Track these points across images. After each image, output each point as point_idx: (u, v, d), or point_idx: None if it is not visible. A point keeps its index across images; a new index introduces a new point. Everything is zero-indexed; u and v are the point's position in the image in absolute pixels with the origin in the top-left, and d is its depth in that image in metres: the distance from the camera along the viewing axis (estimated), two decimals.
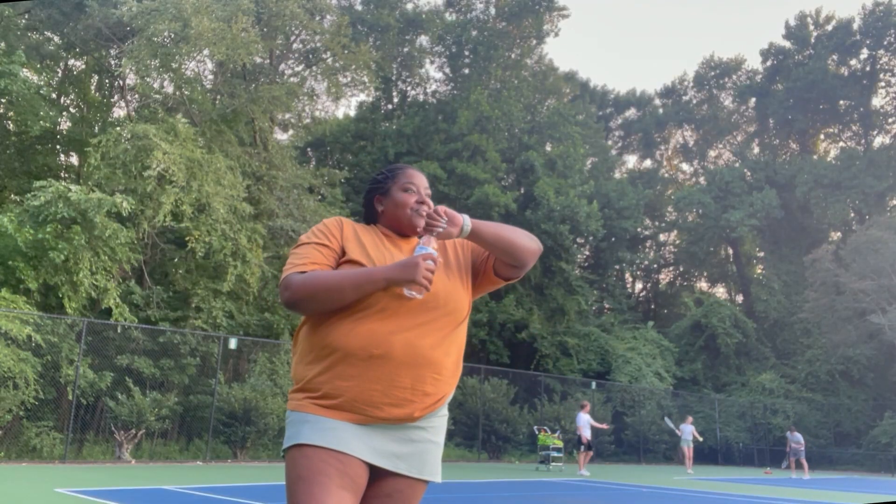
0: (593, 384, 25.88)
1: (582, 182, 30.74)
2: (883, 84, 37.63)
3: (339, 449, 1.88)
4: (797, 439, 22.04)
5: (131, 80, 19.61)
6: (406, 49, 30.86)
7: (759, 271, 40.30)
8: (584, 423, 17.64)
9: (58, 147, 19.40)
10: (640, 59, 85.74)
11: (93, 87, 20.35)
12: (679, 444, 20.95)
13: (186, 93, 18.79)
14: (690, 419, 20.99)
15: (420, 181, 2.18)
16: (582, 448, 17.45)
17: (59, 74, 20.10)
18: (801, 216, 36.89)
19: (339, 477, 1.86)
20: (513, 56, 32.02)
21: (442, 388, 1.99)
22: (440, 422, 2.06)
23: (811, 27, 38.98)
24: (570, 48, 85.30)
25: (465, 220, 2.04)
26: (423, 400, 1.95)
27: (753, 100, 41.52)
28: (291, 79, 22.55)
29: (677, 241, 42.17)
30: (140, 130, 15.65)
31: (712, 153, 44.93)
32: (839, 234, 36.97)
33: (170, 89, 19.42)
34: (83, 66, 20.11)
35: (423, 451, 2.00)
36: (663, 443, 26.46)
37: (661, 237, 43.07)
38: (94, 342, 15.13)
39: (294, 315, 18.90)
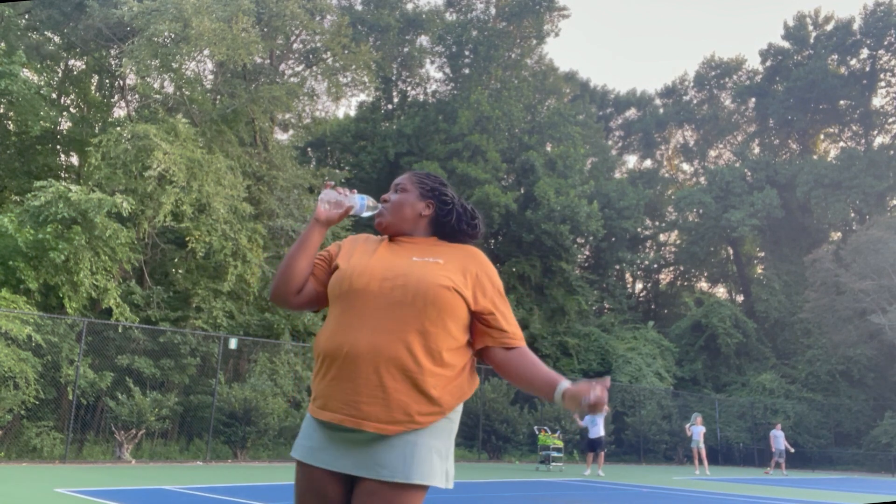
0: None
1: (582, 182, 30.74)
2: (883, 84, 37.64)
3: (309, 462, 1.99)
4: (781, 436, 22.23)
5: (131, 80, 19.61)
6: (406, 49, 30.86)
7: (759, 271, 40.30)
8: (593, 422, 17.59)
9: (58, 147, 19.39)
10: (640, 59, 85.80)
11: (93, 87, 20.33)
12: (690, 445, 20.70)
13: (187, 93, 18.79)
14: (700, 419, 20.69)
15: (394, 181, 2.29)
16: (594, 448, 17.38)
17: (60, 74, 20.08)
18: (801, 216, 36.89)
19: (315, 499, 1.98)
20: (513, 56, 32.01)
21: (419, 387, 1.92)
22: (430, 420, 1.95)
23: (810, 27, 39.00)
24: (570, 48, 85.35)
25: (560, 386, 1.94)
26: (396, 398, 1.90)
27: (754, 100, 41.52)
28: (291, 79, 22.54)
29: (677, 241, 42.16)
30: (140, 130, 15.65)
31: (712, 153, 44.94)
32: (839, 234, 36.98)
33: (170, 89, 19.42)
34: (83, 66, 20.10)
35: (406, 453, 1.90)
36: (663, 443, 26.46)
37: (662, 237, 43.07)
38: (94, 342, 15.14)
39: (294, 315, 18.92)
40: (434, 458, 1.93)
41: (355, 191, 2.21)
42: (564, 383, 1.93)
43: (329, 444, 1.97)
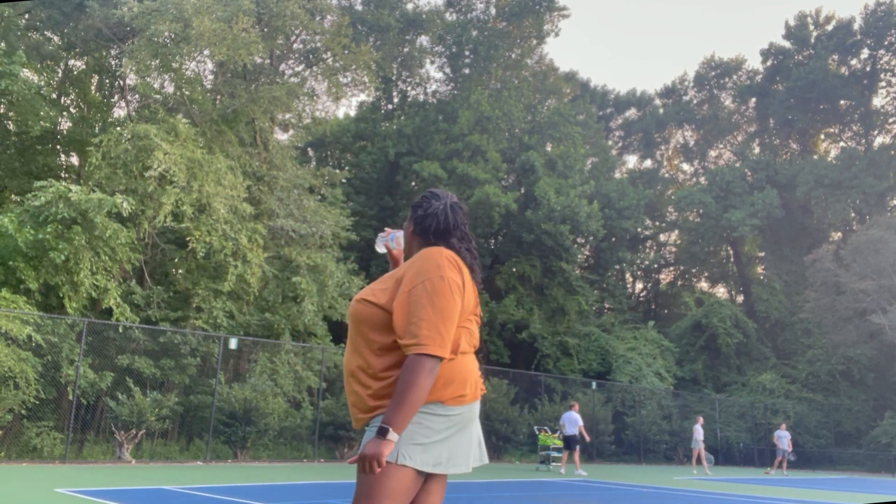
0: (594, 384, 25.88)
1: (582, 182, 30.72)
2: (884, 84, 37.61)
3: None
4: (787, 437, 22.32)
5: (132, 80, 19.61)
6: (406, 49, 30.83)
7: (759, 271, 40.28)
8: (570, 421, 17.51)
9: (58, 147, 19.38)
10: (640, 59, 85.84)
11: (93, 88, 20.33)
12: (691, 446, 20.79)
13: (187, 93, 18.78)
14: (701, 420, 20.86)
15: None
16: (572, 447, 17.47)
17: (60, 74, 20.08)
18: (801, 216, 36.87)
19: None
20: (513, 56, 31.99)
21: (357, 389, 2.34)
22: (370, 415, 2.35)
23: (811, 27, 38.99)
24: (570, 48, 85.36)
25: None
26: (357, 403, 2.35)
27: (754, 100, 41.50)
28: (292, 79, 22.52)
29: (678, 241, 42.14)
30: (141, 130, 15.65)
31: (713, 153, 44.92)
32: (840, 234, 36.95)
33: (170, 89, 19.41)
34: (83, 66, 20.09)
35: (362, 439, 2.42)
36: (663, 443, 26.46)
37: (662, 237, 43.05)
38: (94, 342, 15.13)
39: (294, 315, 18.92)
40: (371, 440, 2.22)
41: (387, 230, 2.70)
42: (376, 434, 2.20)
43: None
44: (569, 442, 17.46)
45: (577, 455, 17.46)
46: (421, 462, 2.24)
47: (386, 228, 2.73)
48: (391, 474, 2.19)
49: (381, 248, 2.73)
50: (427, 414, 2.26)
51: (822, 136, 41.43)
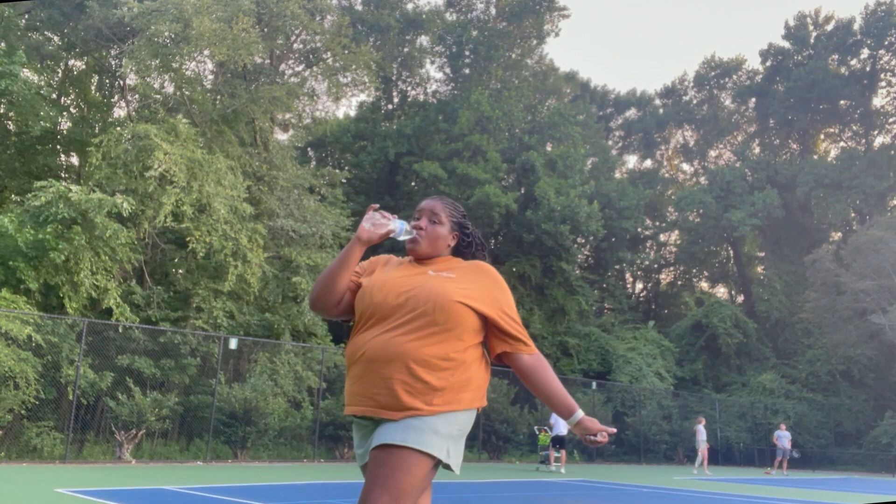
0: (594, 384, 25.89)
1: (582, 182, 30.73)
2: (884, 84, 37.62)
3: (361, 466, 2.31)
4: (787, 437, 22.35)
5: (132, 80, 19.60)
6: (406, 49, 30.84)
7: (759, 271, 40.28)
8: (559, 421, 17.59)
9: (58, 147, 19.37)
10: (640, 59, 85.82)
11: (93, 88, 20.31)
12: (695, 446, 20.87)
13: (187, 93, 18.78)
14: (703, 420, 20.96)
15: (425, 205, 2.51)
16: (558, 447, 17.66)
17: (60, 74, 20.07)
18: (801, 216, 36.87)
19: None
20: (513, 56, 32.00)
21: (425, 381, 2.16)
22: (434, 409, 2.18)
23: (810, 27, 39.00)
24: (571, 48, 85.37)
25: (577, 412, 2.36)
26: (419, 392, 2.16)
27: (754, 100, 41.51)
28: (292, 79, 22.52)
29: (678, 241, 42.15)
30: (141, 130, 15.64)
31: (713, 153, 44.94)
32: (840, 234, 36.96)
33: (170, 89, 19.41)
34: (83, 67, 20.08)
35: (403, 426, 2.15)
36: (663, 443, 26.46)
37: (662, 237, 43.07)
38: (94, 342, 15.13)
39: (294, 315, 18.92)
40: (431, 433, 2.15)
41: (395, 216, 2.43)
42: (581, 413, 2.34)
43: (361, 441, 2.30)
44: (559, 441, 17.61)
45: (553, 453, 17.65)
46: (454, 461, 2.24)
47: (391, 215, 2.43)
48: (423, 469, 2.12)
49: (405, 236, 2.45)
50: (468, 417, 2.29)
51: (822, 136, 41.43)
